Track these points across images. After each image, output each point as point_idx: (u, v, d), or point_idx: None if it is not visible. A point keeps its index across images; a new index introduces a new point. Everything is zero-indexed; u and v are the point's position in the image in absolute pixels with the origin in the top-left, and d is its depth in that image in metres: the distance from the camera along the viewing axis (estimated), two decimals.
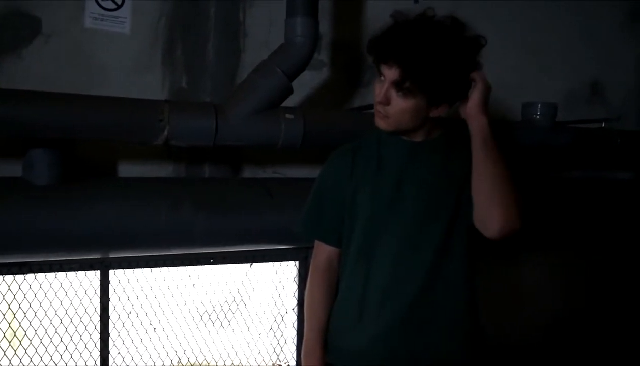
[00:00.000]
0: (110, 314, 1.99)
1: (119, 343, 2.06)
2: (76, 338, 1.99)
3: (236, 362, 2.29)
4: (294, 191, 1.92)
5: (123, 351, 2.07)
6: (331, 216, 1.57)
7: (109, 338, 2.00)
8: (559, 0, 2.66)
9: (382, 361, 1.49)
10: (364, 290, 1.50)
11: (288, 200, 1.91)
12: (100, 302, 1.97)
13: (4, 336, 1.92)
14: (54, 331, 1.96)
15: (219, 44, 2.09)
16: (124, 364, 2.07)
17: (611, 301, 2.96)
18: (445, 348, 1.50)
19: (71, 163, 1.74)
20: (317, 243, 1.62)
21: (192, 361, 2.22)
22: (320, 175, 1.61)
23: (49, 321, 1.96)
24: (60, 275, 1.94)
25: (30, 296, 1.92)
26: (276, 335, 2.32)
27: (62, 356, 1.98)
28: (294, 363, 2.30)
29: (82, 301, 1.98)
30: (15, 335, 1.95)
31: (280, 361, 2.36)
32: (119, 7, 1.93)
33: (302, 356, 1.60)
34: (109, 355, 2.01)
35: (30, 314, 1.93)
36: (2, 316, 1.90)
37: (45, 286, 1.94)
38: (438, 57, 1.31)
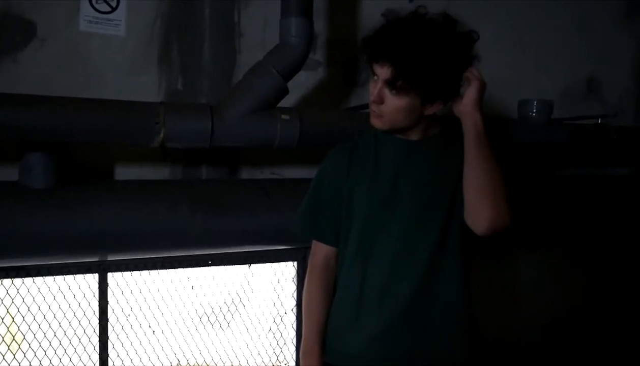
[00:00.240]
0: (108, 317, 1.99)
1: (118, 345, 2.06)
2: (75, 341, 2.00)
3: (236, 363, 2.29)
4: (291, 191, 1.92)
5: (122, 354, 2.07)
6: (328, 215, 1.57)
7: (108, 341, 2.00)
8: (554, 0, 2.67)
9: (380, 360, 1.49)
10: (362, 289, 1.51)
11: (285, 201, 1.91)
12: (99, 305, 1.97)
13: (3, 340, 1.92)
14: (53, 334, 1.96)
15: (215, 45, 2.10)
16: None
17: (609, 299, 2.96)
18: (443, 347, 1.51)
19: (68, 167, 1.74)
20: (314, 242, 1.62)
21: (192, 363, 2.22)
22: (317, 174, 1.62)
23: (48, 325, 1.96)
24: (59, 278, 1.94)
25: (28, 300, 1.92)
26: (275, 335, 2.32)
27: (61, 360, 1.98)
28: (294, 363, 2.31)
29: (80, 305, 1.99)
30: (14, 339, 1.95)
31: (279, 362, 2.36)
32: (113, 9, 1.93)
33: (300, 356, 1.60)
34: (108, 358, 2.01)
35: (28, 318, 1.93)
36: (1, 320, 1.90)
37: (44, 289, 1.94)
38: (429, 54, 1.32)
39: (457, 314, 1.51)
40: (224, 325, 2.27)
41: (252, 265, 2.24)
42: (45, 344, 1.96)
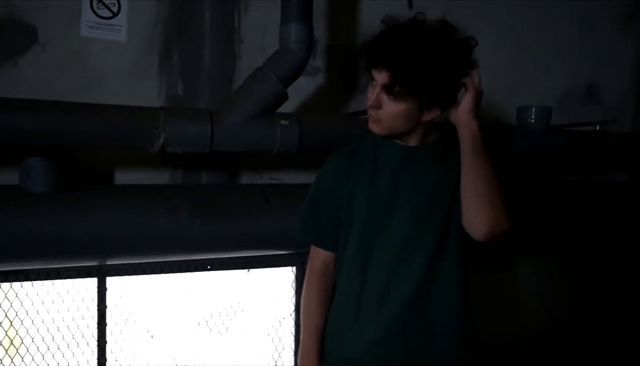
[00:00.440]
0: (107, 321, 1.99)
1: (116, 350, 2.05)
2: (73, 345, 1.99)
3: None
4: (291, 197, 1.92)
5: (120, 359, 2.07)
6: (327, 220, 1.57)
7: (106, 345, 2.00)
8: (554, 2, 2.68)
9: (379, 363, 1.49)
10: (361, 293, 1.51)
11: (285, 206, 1.91)
12: (98, 309, 1.97)
13: (1, 344, 1.92)
14: (51, 338, 1.96)
15: (215, 50, 2.11)
16: None
17: (608, 305, 2.96)
18: (442, 351, 1.51)
19: (68, 171, 1.74)
20: (313, 247, 1.63)
21: None
22: (317, 179, 1.62)
23: (46, 329, 1.96)
24: (58, 282, 1.94)
25: (27, 304, 1.92)
26: (274, 340, 2.32)
27: (60, 364, 1.98)
28: None
29: (79, 309, 1.98)
30: (12, 343, 1.95)
31: None
32: (115, 15, 1.94)
33: (298, 360, 1.60)
34: (106, 362, 2.00)
35: (27, 322, 1.93)
36: (0, 324, 1.90)
37: (43, 293, 1.94)
38: (426, 59, 1.32)
39: (456, 318, 1.51)
40: (223, 329, 2.26)
41: (251, 269, 2.24)
42: (43, 348, 1.96)
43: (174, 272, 2.07)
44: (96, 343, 1.98)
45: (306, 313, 1.60)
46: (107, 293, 1.98)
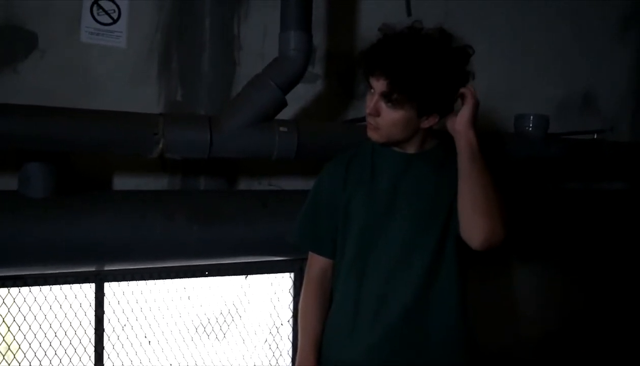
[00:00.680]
0: (105, 326, 1.99)
1: (113, 356, 2.05)
2: (71, 351, 1.99)
3: None
4: (289, 203, 1.93)
5: (117, 364, 2.07)
6: (325, 227, 1.57)
7: (104, 350, 1.99)
8: (551, 10, 2.69)
9: None
10: (358, 299, 1.51)
11: (283, 212, 1.91)
12: (95, 315, 1.97)
13: None
14: (49, 344, 1.96)
15: (214, 57, 2.11)
16: None
17: (605, 311, 2.96)
18: (440, 358, 1.50)
19: (67, 177, 1.74)
20: (311, 254, 1.63)
21: None
22: (315, 186, 1.62)
23: (44, 334, 1.96)
24: (55, 288, 1.94)
25: (25, 309, 1.92)
26: (271, 347, 2.32)
27: None
28: None
29: (76, 314, 1.98)
30: (9, 349, 1.95)
31: None
32: (115, 21, 1.95)
33: None
34: None
35: (25, 327, 1.93)
36: None
37: (40, 299, 1.94)
38: (424, 67, 1.33)
39: (454, 324, 1.51)
40: (220, 335, 2.26)
41: (248, 275, 2.25)
42: (40, 353, 1.96)
43: (171, 278, 2.07)
44: (93, 348, 1.98)
45: (304, 319, 1.60)
46: (105, 298, 1.98)
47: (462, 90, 1.38)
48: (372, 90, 1.42)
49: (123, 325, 2.07)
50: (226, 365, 2.27)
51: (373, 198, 1.51)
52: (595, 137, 2.64)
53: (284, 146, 1.87)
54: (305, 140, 1.89)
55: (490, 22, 2.54)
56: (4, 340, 1.92)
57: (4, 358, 1.93)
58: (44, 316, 1.95)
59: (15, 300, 1.90)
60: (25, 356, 1.94)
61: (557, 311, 2.83)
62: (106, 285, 1.98)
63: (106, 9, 1.93)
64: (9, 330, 1.92)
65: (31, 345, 1.94)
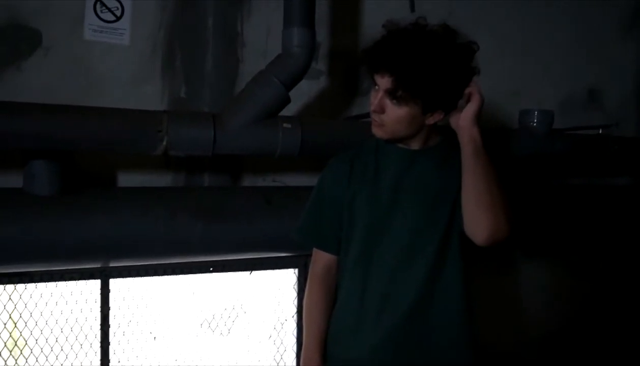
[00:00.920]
0: (110, 323, 2.00)
1: (119, 351, 2.06)
2: (77, 347, 2.00)
3: None
4: (293, 199, 1.93)
5: (123, 360, 2.08)
6: (329, 223, 1.58)
7: (109, 346, 2.01)
8: (555, 7, 2.68)
9: None
10: (363, 296, 1.52)
11: (287, 208, 1.92)
12: (101, 311, 1.98)
13: (5, 345, 1.93)
14: (55, 340, 1.97)
15: (218, 54, 2.11)
16: None
17: (610, 310, 2.95)
18: (444, 355, 1.51)
19: (71, 174, 1.75)
20: (315, 250, 1.63)
21: None
22: (319, 182, 1.63)
23: (50, 331, 1.97)
24: (61, 284, 1.95)
25: (31, 305, 1.93)
26: (276, 342, 2.33)
27: (63, 365, 1.99)
28: None
29: (82, 310, 1.99)
30: (16, 345, 1.96)
31: None
32: (118, 19, 1.95)
33: (301, 363, 1.61)
34: (109, 364, 2.01)
35: (31, 323, 1.94)
36: (4, 325, 1.91)
37: (46, 295, 1.95)
38: (429, 64, 1.33)
39: (457, 322, 1.52)
40: (225, 331, 2.27)
41: (253, 272, 2.25)
42: (47, 350, 1.97)
43: (176, 274, 2.08)
44: (99, 344, 1.99)
45: (309, 315, 1.61)
46: (110, 295, 1.99)
47: (468, 89, 1.37)
48: (377, 87, 1.42)
49: (128, 321, 2.08)
50: (231, 360, 2.28)
51: (377, 195, 1.51)
52: (600, 132, 2.63)
53: (287, 143, 1.87)
54: (309, 136, 1.89)
55: (493, 19, 2.52)
56: (10, 336, 1.94)
57: (11, 354, 1.94)
58: (50, 313, 1.96)
59: (22, 296, 1.91)
60: (32, 352, 1.95)
61: (562, 309, 2.83)
62: (111, 281, 1.99)
63: (109, 6, 1.93)
64: (15, 326, 1.94)
65: (38, 341, 1.95)
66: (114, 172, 1.99)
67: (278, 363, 2.33)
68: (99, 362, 2.00)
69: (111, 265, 1.91)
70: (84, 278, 1.95)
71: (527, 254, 2.72)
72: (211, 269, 2.12)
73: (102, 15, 1.93)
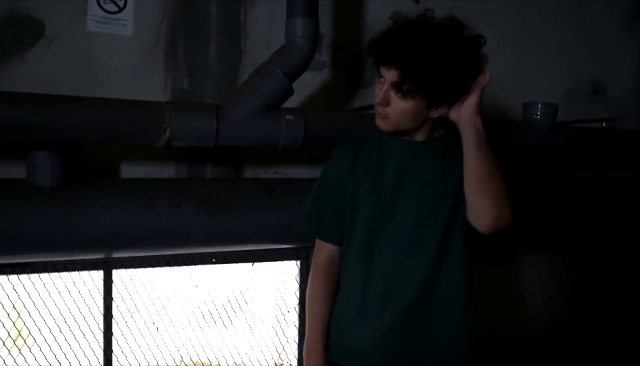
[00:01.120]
0: (113, 313, 2.01)
1: (122, 342, 2.08)
2: (80, 337, 2.01)
3: (238, 361, 2.31)
4: (295, 191, 1.93)
5: (126, 350, 2.09)
6: (332, 214, 1.58)
7: (112, 337, 2.02)
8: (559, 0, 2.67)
9: (384, 358, 1.50)
10: (365, 288, 1.52)
11: (289, 200, 1.92)
12: (104, 302, 1.99)
13: (9, 335, 1.94)
14: (58, 330, 1.98)
15: (221, 45, 2.11)
16: (127, 363, 2.09)
17: (613, 302, 2.96)
18: (447, 345, 1.51)
19: (74, 165, 1.75)
20: (317, 241, 1.63)
21: (195, 360, 2.24)
22: (322, 173, 1.63)
23: (53, 321, 1.98)
24: (64, 275, 1.96)
25: (34, 296, 1.94)
26: (278, 334, 2.34)
27: (66, 355, 2.00)
28: (296, 362, 2.32)
29: (85, 301, 2.00)
30: (20, 334, 1.97)
31: (282, 360, 2.37)
32: (121, 9, 1.94)
33: (303, 354, 1.61)
34: (112, 354, 2.03)
35: (34, 314, 1.95)
36: (7, 315, 1.92)
37: (50, 286, 1.96)
38: (436, 58, 1.32)
39: (460, 312, 1.52)
40: (227, 322, 2.28)
41: (255, 263, 2.26)
42: (50, 340, 1.98)
43: (179, 265, 2.09)
44: (102, 334, 2.00)
45: (312, 306, 1.61)
46: (113, 285, 2.00)
47: (477, 80, 1.36)
48: (382, 79, 1.41)
49: (131, 312, 2.09)
50: (233, 351, 2.29)
51: (380, 187, 1.51)
52: (603, 125, 2.62)
53: (290, 134, 1.86)
54: (311, 128, 1.89)
55: (498, 11, 2.51)
56: (14, 326, 1.95)
57: (14, 344, 1.96)
58: (54, 303, 1.97)
59: (25, 286, 1.92)
60: (35, 342, 1.97)
61: (565, 302, 2.83)
62: (114, 272, 2.00)
63: None
64: (19, 316, 1.95)
65: (41, 331, 1.96)
66: (116, 163, 1.99)
67: (280, 355, 2.34)
68: (102, 352, 2.01)
69: (114, 256, 1.92)
70: (87, 269, 1.96)
71: (529, 247, 2.72)
72: (214, 260, 2.12)
73: (104, 6, 1.92)
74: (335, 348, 1.58)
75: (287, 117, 1.86)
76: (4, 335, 1.92)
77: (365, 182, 1.53)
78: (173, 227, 1.81)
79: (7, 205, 1.63)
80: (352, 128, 1.94)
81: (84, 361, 2.02)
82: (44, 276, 1.93)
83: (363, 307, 1.52)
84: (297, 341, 2.31)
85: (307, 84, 2.16)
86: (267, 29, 2.13)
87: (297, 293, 2.29)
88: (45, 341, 1.97)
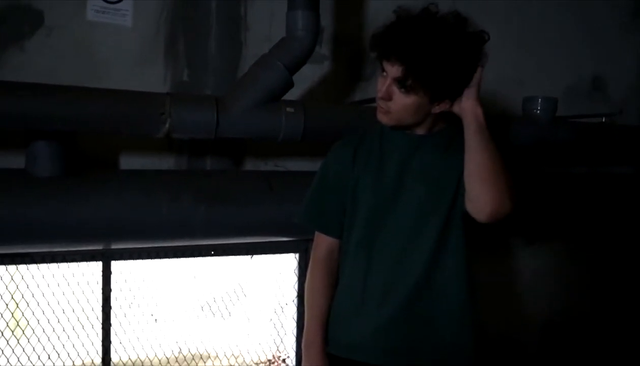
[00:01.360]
0: (112, 304, 2.01)
1: (120, 333, 2.08)
2: (78, 328, 2.02)
3: (236, 353, 2.31)
4: (295, 184, 1.93)
5: (124, 341, 2.10)
6: (332, 207, 1.58)
7: (111, 328, 2.02)
8: None
9: (383, 351, 1.50)
10: (365, 280, 1.52)
11: (288, 193, 1.92)
12: (102, 293, 1.99)
13: (8, 326, 1.94)
14: (57, 321, 1.99)
15: (221, 37, 2.10)
16: (125, 354, 2.10)
17: (612, 297, 2.97)
18: (446, 339, 1.51)
19: (73, 156, 1.75)
20: (317, 234, 1.63)
21: (193, 351, 2.24)
22: (323, 166, 1.62)
23: (52, 311, 1.98)
24: (63, 265, 1.96)
25: (33, 286, 1.94)
26: (276, 326, 2.34)
27: (65, 346, 2.01)
28: (294, 354, 2.33)
29: (84, 292, 2.01)
30: (18, 325, 1.97)
31: (279, 353, 2.38)
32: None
33: (302, 346, 1.61)
34: (111, 345, 2.03)
35: (33, 304, 1.95)
36: (6, 306, 1.92)
37: (48, 276, 1.96)
38: (440, 54, 1.31)
39: (459, 306, 1.52)
40: (226, 314, 2.29)
41: (254, 256, 2.26)
42: (49, 330, 1.98)
43: (178, 257, 2.09)
44: (101, 325, 2.00)
45: (311, 299, 1.61)
46: (112, 276, 2.00)
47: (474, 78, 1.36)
48: (385, 74, 1.40)
49: (130, 303, 2.09)
50: (231, 343, 2.30)
51: (381, 181, 1.51)
52: (603, 120, 2.62)
53: (290, 127, 1.86)
54: (312, 121, 1.88)
55: (498, 6, 2.50)
56: (13, 316, 1.95)
57: (13, 334, 1.96)
58: (52, 294, 1.97)
59: (24, 277, 1.92)
60: (34, 333, 1.97)
61: (564, 297, 2.84)
62: (113, 263, 2.00)
63: None
64: (17, 307, 1.95)
65: (40, 322, 1.96)
66: (116, 155, 1.99)
67: (278, 347, 2.35)
68: (100, 343, 2.01)
69: (113, 247, 1.92)
70: (86, 260, 1.96)
71: (529, 241, 2.73)
72: (212, 252, 2.12)
73: None
74: (334, 341, 1.59)
75: (288, 109, 1.85)
76: (3, 326, 1.93)
77: (365, 177, 1.53)
78: (172, 219, 1.80)
79: (6, 195, 1.62)
80: (352, 121, 1.93)
81: (83, 352, 2.03)
82: (43, 267, 1.93)
83: (363, 301, 1.52)
84: (295, 334, 2.32)
85: (308, 77, 2.15)
86: (267, 22, 2.12)
87: (296, 286, 2.30)
88: (43, 332, 1.98)
